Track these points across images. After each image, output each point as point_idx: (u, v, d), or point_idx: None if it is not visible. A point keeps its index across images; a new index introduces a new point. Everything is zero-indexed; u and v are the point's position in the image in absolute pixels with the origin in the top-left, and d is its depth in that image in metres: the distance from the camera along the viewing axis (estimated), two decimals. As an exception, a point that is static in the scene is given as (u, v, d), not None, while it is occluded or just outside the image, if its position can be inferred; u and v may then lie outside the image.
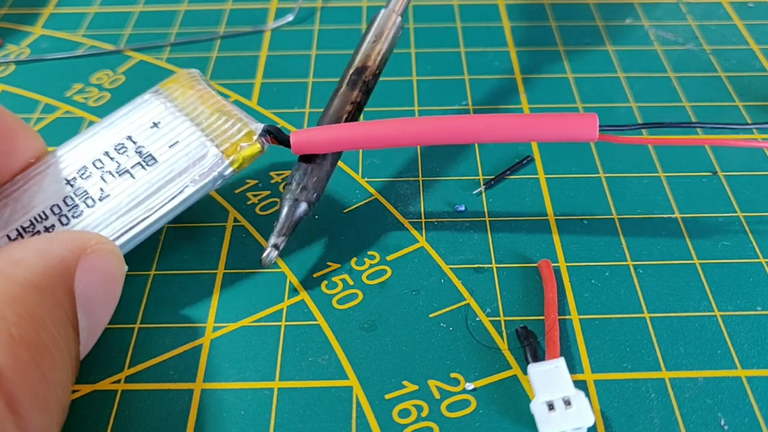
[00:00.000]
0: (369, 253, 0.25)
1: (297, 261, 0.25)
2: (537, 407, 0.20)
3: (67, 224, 0.22)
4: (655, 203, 0.27)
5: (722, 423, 0.21)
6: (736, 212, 0.27)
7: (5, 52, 0.36)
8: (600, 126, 0.23)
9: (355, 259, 0.25)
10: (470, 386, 0.22)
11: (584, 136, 0.23)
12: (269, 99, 0.32)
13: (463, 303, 0.24)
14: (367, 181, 0.28)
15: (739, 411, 0.21)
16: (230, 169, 0.23)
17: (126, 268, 0.21)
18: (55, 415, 0.17)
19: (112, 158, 0.23)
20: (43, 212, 0.22)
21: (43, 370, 0.17)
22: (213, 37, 0.36)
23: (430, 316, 0.23)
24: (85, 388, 0.22)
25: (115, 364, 0.22)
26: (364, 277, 0.25)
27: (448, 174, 0.28)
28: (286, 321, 0.23)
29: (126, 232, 0.22)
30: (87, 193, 0.22)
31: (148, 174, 0.23)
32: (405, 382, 0.22)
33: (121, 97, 0.32)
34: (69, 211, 0.22)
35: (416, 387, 0.22)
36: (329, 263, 0.25)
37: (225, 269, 0.25)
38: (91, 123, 0.31)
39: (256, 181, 0.28)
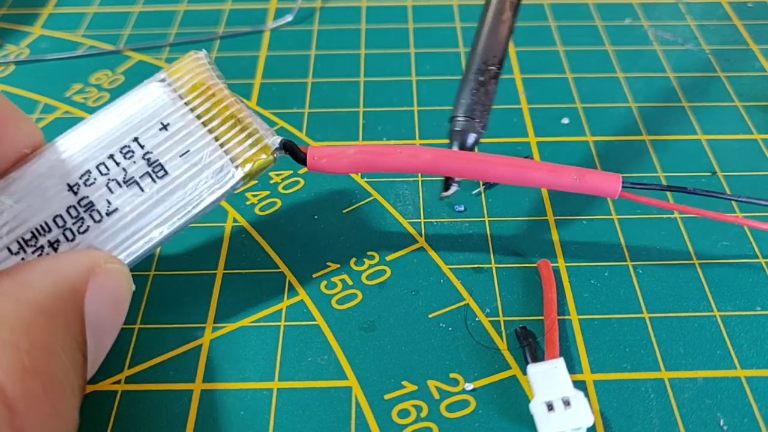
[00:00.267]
0: (368, 253, 0.26)
1: (296, 261, 0.25)
2: (536, 407, 0.20)
3: (72, 240, 0.21)
4: (655, 203, 0.27)
5: (721, 423, 0.21)
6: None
7: (5, 53, 0.36)
8: (623, 183, 0.23)
9: (354, 259, 0.25)
10: (469, 386, 0.22)
11: (606, 193, 0.23)
12: (268, 99, 0.32)
13: (462, 303, 0.24)
14: (366, 182, 0.28)
15: (738, 411, 0.21)
16: (242, 183, 0.22)
17: (134, 287, 0.20)
18: None
19: (117, 163, 0.21)
20: (45, 223, 0.20)
21: (53, 401, 0.16)
22: (212, 37, 0.36)
23: (430, 316, 0.23)
24: (86, 389, 0.22)
25: (115, 364, 0.22)
26: (363, 278, 0.25)
27: (448, 174, 0.28)
28: (285, 321, 0.23)
29: (133, 249, 0.21)
30: (93, 206, 0.21)
31: (158, 187, 0.21)
32: (404, 383, 0.22)
33: (121, 97, 0.32)
34: (74, 224, 0.21)
35: (415, 387, 0.22)
36: (329, 263, 0.25)
37: (224, 269, 0.25)
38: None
39: (256, 181, 0.28)
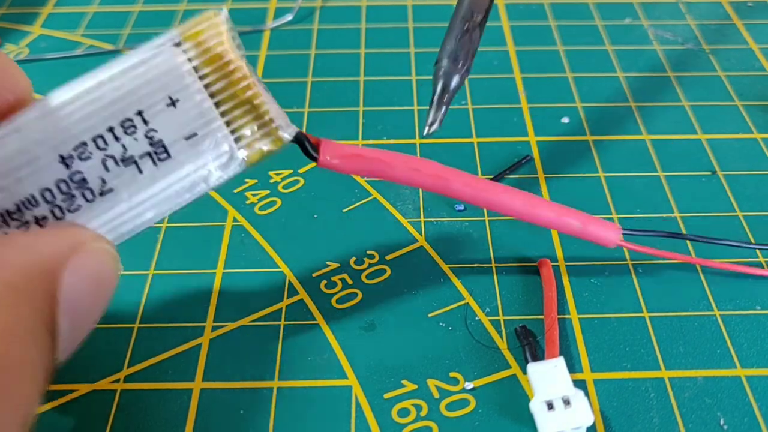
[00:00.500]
0: (368, 252, 0.25)
1: (296, 260, 0.25)
2: (536, 407, 0.20)
3: (61, 218, 0.19)
4: (655, 203, 0.27)
5: (721, 422, 0.21)
6: (735, 211, 0.27)
7: (4, 52, 0.36)
8: (623, 230, 0.23)
9: (354, 258, 0.25)
10: (469, 385, 0.22)
11: (604, 241, 0.23)
12: (268, 98, 0.32)
13: (462, 302, 0.24)
14: (366, 181, 0.28)
15: (738, 410, 0.21)
16: (242, 169, 0.20)
17: (121, 269, 0.19)
18: None
19: (117, 138, 0.19)
20: (33, 196, 0.19)
21: (4, 384, 0.15)
22: (212, 36, 0.36)
23: (430, 315, 0.23)
24: (84, 388, 0.22)
25: (114, 363, 0.22)
26: (363, 277, 0.25)
27: (448, 173, 0.28)
28: (285, 320, 0.23)
29: (124, 231, 0.19)
30: (85, 183, 0.19)
31: (159, 171, 0.19)
32: (404, 382, 0.22)
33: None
34: (63, 201, 0.19)
35: (415, 386, 0.22)
36: (328, 263, 0.25)
37: (224, 269, 0.25)
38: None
39: (255, 181, 0.28)
